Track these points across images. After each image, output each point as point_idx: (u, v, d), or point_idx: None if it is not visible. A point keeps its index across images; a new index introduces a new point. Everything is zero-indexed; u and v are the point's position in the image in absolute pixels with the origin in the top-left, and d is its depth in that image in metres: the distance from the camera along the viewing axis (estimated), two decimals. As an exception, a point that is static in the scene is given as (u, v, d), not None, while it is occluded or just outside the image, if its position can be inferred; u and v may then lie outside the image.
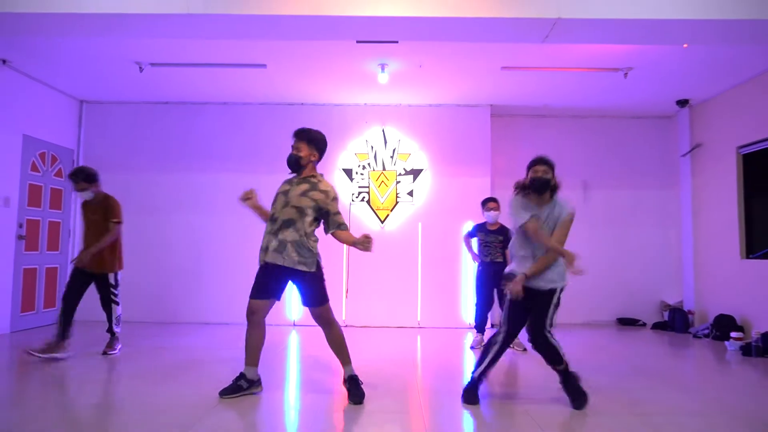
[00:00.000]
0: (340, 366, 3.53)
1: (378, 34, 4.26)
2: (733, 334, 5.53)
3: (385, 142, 7.09)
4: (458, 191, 6.94)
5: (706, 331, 6.19)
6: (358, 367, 3.63)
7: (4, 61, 5.60)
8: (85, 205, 4.77)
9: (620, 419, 3.16)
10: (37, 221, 6.28)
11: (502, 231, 5.34)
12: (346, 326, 6.64)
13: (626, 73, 5.70)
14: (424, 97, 6.83)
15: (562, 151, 7.43)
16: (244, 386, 3.45)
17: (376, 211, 7.00)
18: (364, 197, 7.02)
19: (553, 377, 3.53)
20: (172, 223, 7.00)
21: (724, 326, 5.91)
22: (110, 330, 4.83)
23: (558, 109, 7.23)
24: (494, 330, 5.57)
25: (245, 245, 6.69)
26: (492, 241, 5.35)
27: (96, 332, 5.67)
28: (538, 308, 3.37)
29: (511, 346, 5.27)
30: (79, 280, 4.64)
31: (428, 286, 6.88)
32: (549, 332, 3.35)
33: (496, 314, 5.92)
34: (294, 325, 6.73)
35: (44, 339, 4.64)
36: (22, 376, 4.06)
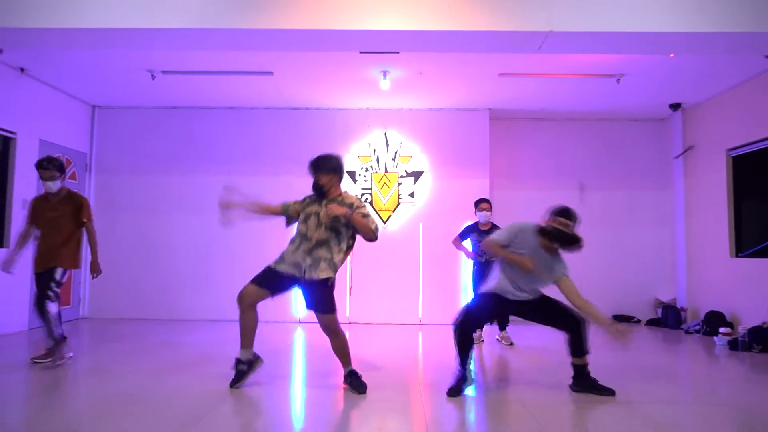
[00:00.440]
0: (341, 366, 3.74)
1: (380, 46, 4.49)
2: (721, 330, 5.75)
3: (387, 145, 7.33)
4: (458, 192, 7.17)
5: (698, 327, 6.42)
6: (361, 362, 3.86)
7: (22, 70, 5.85)
8: (43, 201, 4.38)
9: (608, 408, 3.38)
10: (53, 223, 6.52)
11: (492, 230, 5.55)
12: (350, 323, 6.88)
13: (619, 79, 5.92)
14: (424, 101, 7.06)
15: (559, 153, 7.68)
16: (245, 369, 3.64)
17: (379, 212, 7.24)
18: (367, 198, 7.25)
19: (545, 370, 3.75)
20: (180, 224, 7.25)
21: (713, 322, 6.13)
22: (51, 335, 4.19)
23: (555, 113, 7.45)
24: (493, 327, 5.86)
25: (250, 245, 6.96)
26: None
27: (121, 328, 5.93)
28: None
29: (499, 340, 5.59)
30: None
31: (429, 284, 7.12)
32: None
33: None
34: (299, 322, 6.97)
35: (44, 346, 4.34)
36: (41, 370, 4.29)
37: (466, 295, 6.98)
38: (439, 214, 7.17)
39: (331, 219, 3.54)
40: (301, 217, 3.70)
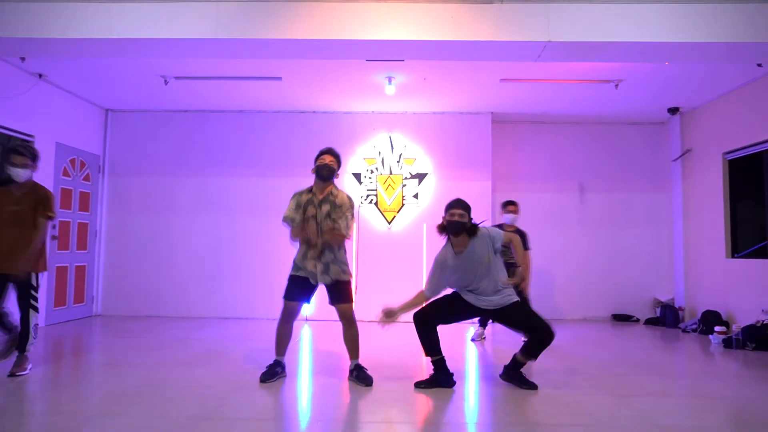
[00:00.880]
0: (348, 359, 3.98)
1: (386, 55, 4.68)
2: (716, 328, 5.91)
3: (392, 148, 7.52)
4: (461, 194, 7.17)
5: (695, 326, 6.58)
6: (368, 357, 4.05)
7: (40, 75, 6.06)
8: (5, 194, 3.95)
9: (601, 400, 3.55)
10: (68, 222, 6.75)
11: (517, 233, 5.71)
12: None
13: (617, 84, 6.09)
14: (428, 105, 7.25)
15: (559, 156, 7.86)
16: (279, 371, 3.97)
17: (384, 213, 7.43)
18: (372, 200, 7.45)
19: (543, 364, 3.91)
20: (190, 224, 7.46)
21: (709, 321, 6.29)
22: (22, 347, 3.92)
23: (555, 116, 7.62)
24: (495, 324, 6.02)
25: (260, 245, 7.17)
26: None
27: (134, 325, 6.11)
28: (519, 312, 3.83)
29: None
30: None
31: (432, 283, 7.28)
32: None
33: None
34: (306, 320, 7.16)
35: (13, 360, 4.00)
36: (66, 362, 4.50)
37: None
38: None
39: (329, 225, 3.88)
40: (301, 217, 3.94)
